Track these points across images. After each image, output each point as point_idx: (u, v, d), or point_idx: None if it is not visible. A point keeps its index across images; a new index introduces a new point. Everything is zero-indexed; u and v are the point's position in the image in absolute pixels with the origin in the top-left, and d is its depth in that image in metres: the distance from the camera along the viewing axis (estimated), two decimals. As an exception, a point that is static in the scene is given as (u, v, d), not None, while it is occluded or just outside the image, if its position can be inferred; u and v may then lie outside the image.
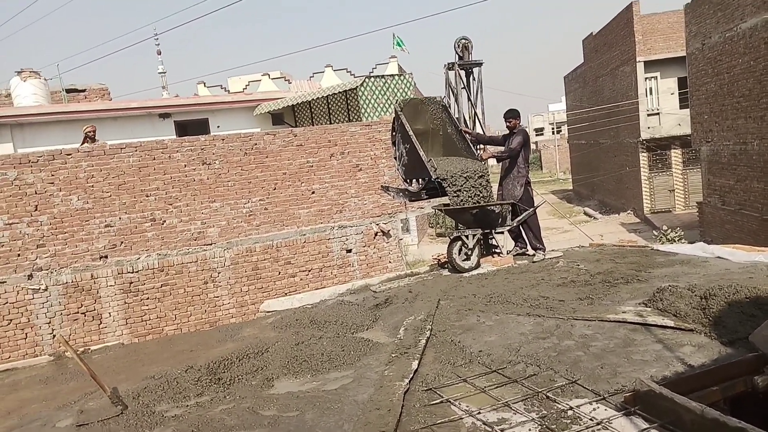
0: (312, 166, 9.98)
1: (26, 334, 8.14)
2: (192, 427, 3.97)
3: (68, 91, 16.03)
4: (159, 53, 31.76)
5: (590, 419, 3.39)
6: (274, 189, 9.72)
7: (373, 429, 3.54)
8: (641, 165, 27.12)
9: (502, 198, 8.20)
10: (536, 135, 71.96)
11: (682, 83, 24.94)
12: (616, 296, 5.61)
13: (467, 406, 3.74)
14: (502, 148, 8.15)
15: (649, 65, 26.31)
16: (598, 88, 32.59)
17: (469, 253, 7.70)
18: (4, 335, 8.03)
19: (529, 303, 5.74)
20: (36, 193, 8.30)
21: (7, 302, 8.08)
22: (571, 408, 3.53)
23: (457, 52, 8.53)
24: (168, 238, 8.98)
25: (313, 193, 9.99)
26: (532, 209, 8.16)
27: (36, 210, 8.30)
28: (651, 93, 27.11)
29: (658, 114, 26.96)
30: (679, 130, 25.82)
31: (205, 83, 28.06)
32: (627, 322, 4.82)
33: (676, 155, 27.09)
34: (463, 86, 8.58)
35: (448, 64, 8.53)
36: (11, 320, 8.09)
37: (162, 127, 13.91)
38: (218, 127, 14.45)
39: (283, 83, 25.20)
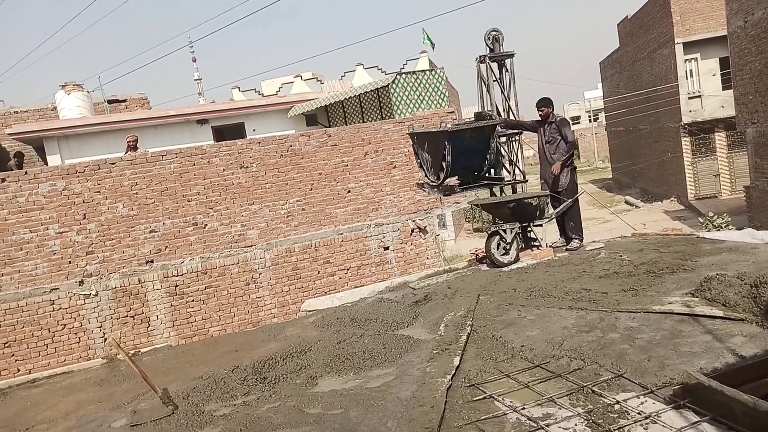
0: (347, 166, 10.05)
1: (79, 338, 8.47)
2: (240, 426, 4.07)
3: (110, 102, 16.56)
4: (194, 60, 32.51)
5: (638, 413, 3.33)
6: (311, 189, 9.83)
7: (417, 426, 3.56)
8: (684, 150, 26.29)
9: (545, 186, 8.25)
10: (573, 123, 70.59)
11: (724, 63, 24.05)
12: (662, 287, 5.47)
13: (511, 402, 3.73)
14: (557, 147, 8.18)
15: (689, 46, 25.45)
16: (636, 72, 31.71)
17: (508, 247, 7.66)
18: (59, 340, 8.38)
19: (571, 296, 5.66)
20: (84, 202, 8.61)
21: (60, 308, 8.42)
22: (617, 402, 3.48)
23: (487, 45, 8.43)
24: (210, 241, 9.20)
25: (348, 192, 10.07)
26: (571, 200, 8.10)
27: (84, 218, 8.62)
28: (691, 75, 26.24)
29: (699, 96, 26.07)
30: (723, 112, 24.92)
31: (239, 88, 28.54)
32: (674, 313, 4.70)
33: (720, 138, 26.15)
34: (495, 79, 8.48)
35: (479, 56, 8.43)
36: (65, 325, 8.43)
37: (200, 133, 14.24)
38: (254, 130, 14.69)
39: (316, 84, 25.41)
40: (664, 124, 28.13)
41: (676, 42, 25.23)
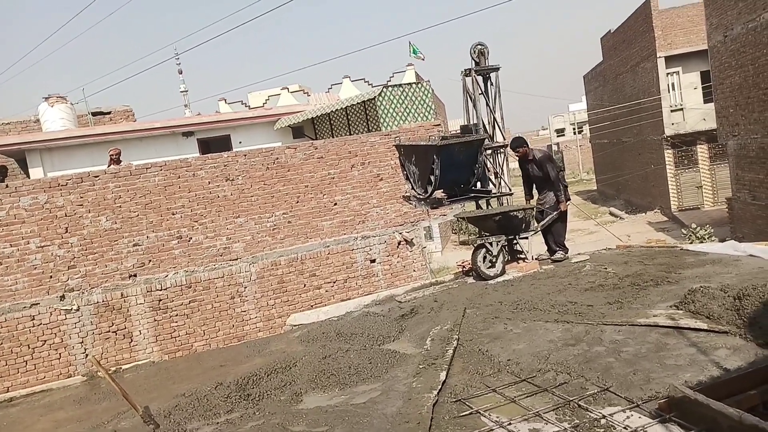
0: (333, 178, 10.02)
1: (60, 354, 8.30)
2: (223, 445, 4.00)
3: (94, 114, 16.40)
4: (180, 72, 32.43)
5: (624, 427, 3.32)
6: (297, 202, 9.78)
7: (403, 443, 3.52)
8: (666, 162, 26.61)
9: (546, 206, 8.42)
10: (557, 136, 71.24)
11: (705, 77, 24.44)
12: (646, 299, 5.50)
13: (497, 417, 3.70)
14: (545, 181, 8.48)
15: (671, 60, 25.86)
16: (619, 85, 32.15)
17: (494, 260, 7.70)
18: (39, 356, 8.20)
19: (557, 309, 5.67)
20: (66, 216, 8.48)
21: (41, 323, 8.26)
22: (604, 416, 3.47)
23: (473, 58, 8.50)
24: (194, 254, 9.09)
25: (335, 204, 10.03)
26: (555, 213, 8.23)
27: (66, 232, 8.48)
28: (673, 88, 26.63)
29: (681, 109, 26.45)
30: (705, 125, 25.29)
31: (226, 100, 28.48)
32: (658, 326, 4.72)
33: (702, 151, 26.51)
34: (480, 92, 8.54)
35: (465, 70, 8.50)
36: (45, 341, 8.26)
37: (186, 146, 14.14)
38: (240, 142, 14.62)
39: (302, 96, 25.43)
40: (647, 137, 28.49)
41: (658, 56, 25.63)
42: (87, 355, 8.32)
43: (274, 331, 9.12)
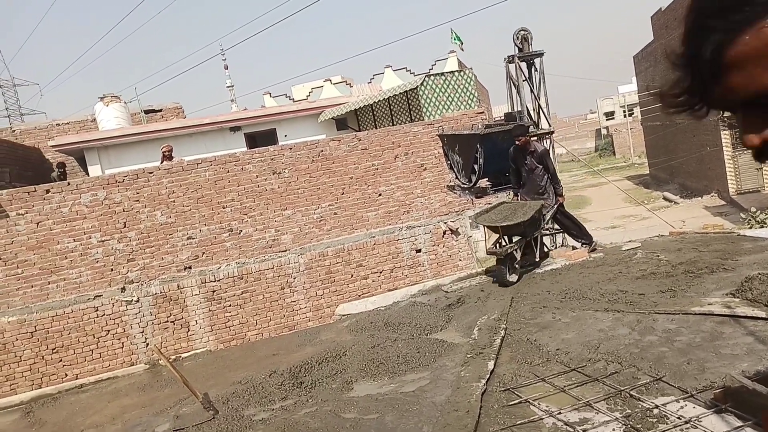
0: (377, 169, 10.11)
1: (122, 343, 8.74)
2: (279, 431, 4.16)
3: (146, 112, 16.99)
4: (226, 68, 32.97)
5: (678, 417, 3.28)
6: (342, 194, 9.92)
7: (453, 430, 3.58)
8: (723, 143, 25.50)
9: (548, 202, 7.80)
10: (606, 119, 69.14)
11: (764, 52, 23.22)
12: (701, 287, 5.35)
13: (547, 406, 3.71)
14: (542, 176, 7.82)
15: (727, 37, 24.67)
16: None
17: (517, 265, 7.16)
18: (104, 345, 8.66)
19: (607, 298, 5.58)
20: (124, 211, 8.88)
21: (104, 314, 8.71)
22: (656, 406, 3.43)
23: (516, 45, 8.41)
24: (245, 246, 9.37)
25: (379, 195, 10.12)
26: (555, 205, 7.80)
27: (125, 226, 8.88)
28: (730, 66, 25.42)
29: (739, 87, 25.24)
30: (765, 103, 24.06)
31: (270, 93, 28.91)
32: (714, 315, 4.60)
33: (762, 130, 25.25)
34: (524, 78, 8.44)
35: (508, 57, 8.42)
36: (108, 331, 8.71)
37: (233, 140, 14.49)
38: (285, 136, 14.87)
39: (345, 88, 25.57)
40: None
41: (712, 33, 24.49)
42: (148, 344, 8.72)
43: (323, 321, 9.32)
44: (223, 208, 9.31)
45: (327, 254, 9.77)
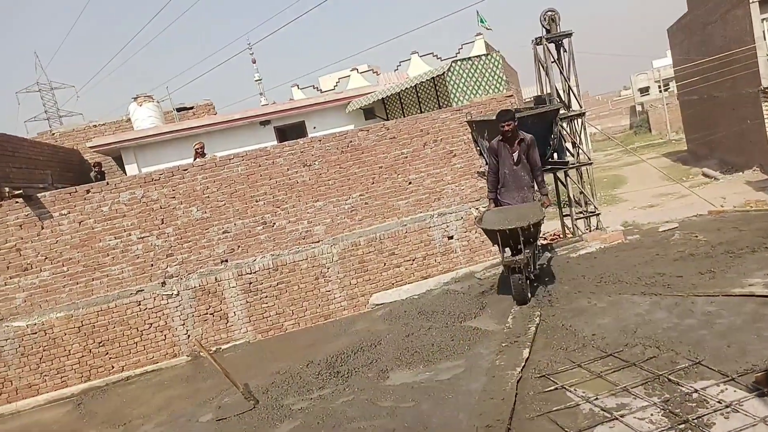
0: (407, 157, 10.10)
1: (165, 336, 9.01)
2: (317, 419, 4.26)
3: (179, 109, 17.30)
4: (254, 62, 33.32)
5: (718, 402, 3.24)
6: (372, 183, 9.95)
7: (489, 418, 3.61)
8: (765, 116, 24.55)
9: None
10: (641, 95, 67.28)
11: (808, 19, 22.21)
12: (742, 268, 5.23)
13: (583, 392, 3.70)
14: (528, 171, 6.80)
15: (765, 5, 23.64)
16: (707, 37, 29.83)
17: (533, 276, 6.21)
18: (147, 338, 8.94)
19: (644, 281, 5.51)
20: (161, 208, 9.11)
21: (146, 308, 8.98)
22: (696, 390, 3.39)
23: (543, 26, 8.26)
24: (279, 239, 9.51)
25: (410, 183, 10.12)
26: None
27: (162, 223, 9.12)
28: (770, 35, 24.39)
29: (781, 57, 24.20)
30: (809, 72, 23.03)
31: (298, 85, 29.07)
32: (755, 296, 4.50)
33: (806, 100, 24.21)
34: (553, 60, 8.29)
35: (536, 38, 8.28)
36: (151, 324, 8.98)
37: (263, 134, 14.65)
38: (314, 128, 14.96)
39: (372, 76, 25.51)
40: (741, 90, 26.35)
41: (750, 1, 23.52)
42: (189, 336, 8.98)
43: (357, 310, 9.42)
44: (256, 201, 9.46)
45: (359, 244, 9.84)
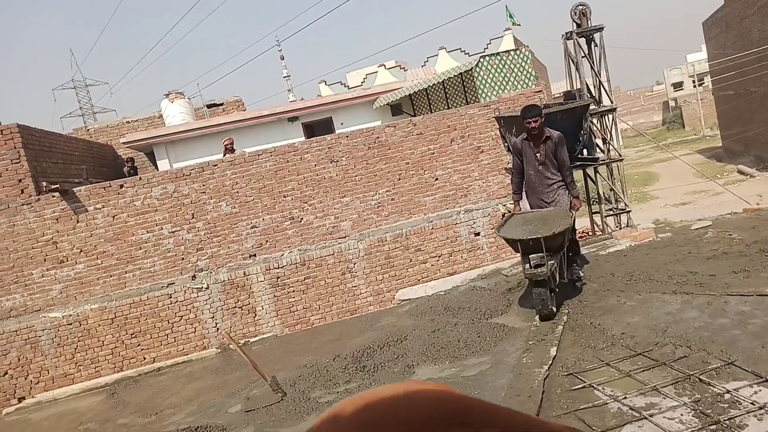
0: (433, 153, 10.08)
1: (195, 328, 9.19)
2: (344, 412, 4.30)
3: (209, 106, 17.57)
4: (282, 58, 33.58)
5: (751, 403, 3.17)
6: (399, 179, 9.97)
7: (515, 414, 3.60)
8: (805, 111, 23.77)
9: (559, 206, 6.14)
10: (674, 90, 65.73)
11: None
12: (778, 267, 5.10)
13: (612, 391, 3.66)
14: (554, 171, 6.20)
15: (807, -4, 22.86)
16: (745, 30, 28.99)
17: (557, 290, 5.59)
18: (177, 330, 9.14)
19: (675, 279, 5.41)
20: (192, 203, 9.29)
21: (177, 301, 9.18)
22: (728, 391, 3.33)
23: (574, 20, 8.14)
24: (306, 234, 9.61)
25: (436, 179, 10.10)
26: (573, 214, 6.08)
27: (193, 218, 9.29)
28: (812, 27, 23.58)
29: (822, 50, 23.39)
30: None
31: (326, 82, 29.20)
32: (792, 296, 4.38)
33: None
34: (583, 55, 8.17)
35: (566, 33, 8.17)
36: (182, 317, 9.17)
37: (291, 130, 14.78)
38: (341, 124, 15.03)
39: (399, 72, 25.48)
40: (780, 84, 25.55)
41: (791, -8, 22.77)
42: (218, 329, 9.14)
43: (383, 305, 9.46)
44: (284, 197, 9.57)
45: (386, 240, 9.87)
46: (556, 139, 6.13)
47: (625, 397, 3.53)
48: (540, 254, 5.22)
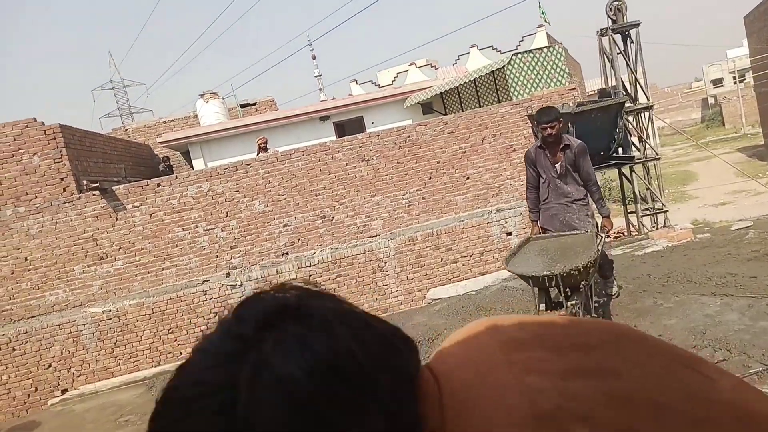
0: (464, 152, 10.04)
1: (229, 324, 9.36)
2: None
3: (242, 106, 17.87)
4: (314, 58, 33.84)
5: (795, 410, 3.09)
6: (430, 178, 9.96)
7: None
8: None
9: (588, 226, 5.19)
10: (714, 87, 63.90)
11: None
12: (823, 269, 4.93)
13: (647, 394, 3.61)
14: (577, 185, 5.30)
15: None
16: (790, 23, 27.99)
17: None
18: (212, 327, 9.31)
19: (714, 281, 5.28)
20: (226, 201, 9.47)
21: (212, 297, 9.37)
22: (770, 397, 3.24)
23: (609, 16, 8.00)
24: (337, 233, 9.69)
25: (467, 178, 10.07)
26: (605, 236, 5.02)
27: (227, 216, 9.47)
28: None
29: None
30: None
31: (357, 81, 29.35)
32: (838, 300, 4.24)
33: None
34: (619, 52, 8.03)
35: (601, 30, 8.04)
36: (216, 313, 9.35)
37: (323, 129, 14.92)
38: (372, 123, 15.09)
39: (430, 71, 25.43)
40: (827, 80, 24.61)
41: (840, -17, 21.90)
42: (251, 326, 9.29)
43: (414, 305, 9.48)
44: (316, 195, 9.67)
45: (416, 239, 9.89)
46: (577, 149, 5.16)
47: (662, 401, 3.47)
48: (560, 291, 4.18)
